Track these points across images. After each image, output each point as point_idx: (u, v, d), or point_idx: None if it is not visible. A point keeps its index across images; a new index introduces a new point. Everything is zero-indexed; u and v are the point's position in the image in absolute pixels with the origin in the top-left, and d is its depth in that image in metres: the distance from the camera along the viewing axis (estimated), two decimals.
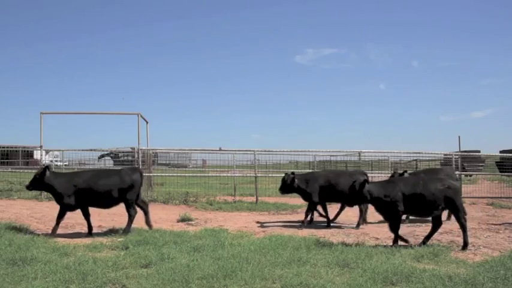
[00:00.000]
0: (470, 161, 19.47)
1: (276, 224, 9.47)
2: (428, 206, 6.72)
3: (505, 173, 17.40)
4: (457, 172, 14.93)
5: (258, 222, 9.65)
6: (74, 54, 78.49)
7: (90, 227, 7.82)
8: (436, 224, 6.98)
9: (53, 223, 7.72)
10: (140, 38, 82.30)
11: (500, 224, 9.43)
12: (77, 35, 79.07)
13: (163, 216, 10.29)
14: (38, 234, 7.27)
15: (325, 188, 9.10)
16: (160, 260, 5.48)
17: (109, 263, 5.28)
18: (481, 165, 20.58)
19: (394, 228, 6.74)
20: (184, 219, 9.68)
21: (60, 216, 7.67)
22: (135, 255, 5.68)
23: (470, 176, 20.10)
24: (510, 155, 18.72)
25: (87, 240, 7.09)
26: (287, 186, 9.23)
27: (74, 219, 9.40)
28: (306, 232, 8.06)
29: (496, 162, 18.85)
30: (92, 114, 16.79)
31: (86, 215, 7.80)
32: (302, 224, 9.00)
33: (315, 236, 7.40)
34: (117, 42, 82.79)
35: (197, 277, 4.68)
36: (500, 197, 14.53)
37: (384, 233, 8.17)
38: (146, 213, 8.12)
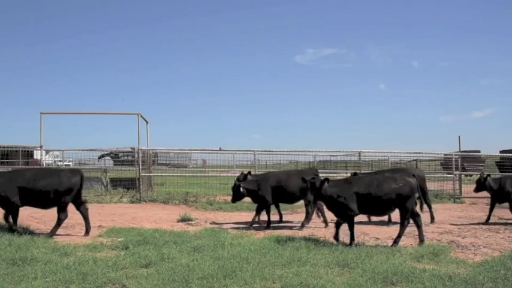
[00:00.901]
0: (470, 161, 19.46)
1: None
2: (383, 206, 6.77)
3: (505, 173, 17.39)
4: (457, 172, 14.97)
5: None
6: (74, 54, 78.65)
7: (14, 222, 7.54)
8: (415, 220, 6.97)
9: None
10: (140, 38, 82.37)
11: (500, 224, 9.42)
12: (77, 35, 79.19)
13: (163, 216, 10.29)
14: (38, 234, 7.28)
15: (275, 189, 8.94)
16: (160, 260, 5.48)
17: (109, 263, 5.28)
18: (481, 165, 20.57)
19: (350, 227, 6.79)
20: (184, 219, 9.68)
21: (14, 216, 7.47)
22: (135, 255, 5.68)
23: (470, 176, 20.09)
24: (510, 155, 18.73)
25: (87, 240, 7.10)
26: (236, 192, 8.95)
27: (74, 219, 9.41)
28: (306, 232, 8.06)
29: (496, 162, 18.85)
30: (92, 114, 16.82)
31: (15, 214, 7.50)
32: (269, 225, 8.89)
33: (315, 236, 7.40)
34: (117, 43, 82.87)
35: (197, 277, 4.68)
36: None
37: (384, 233, 8.18)
38: (85, 218, 7.84)
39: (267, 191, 8.86)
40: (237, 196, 8.98)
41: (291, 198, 9.17)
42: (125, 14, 79.58)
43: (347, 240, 6.98)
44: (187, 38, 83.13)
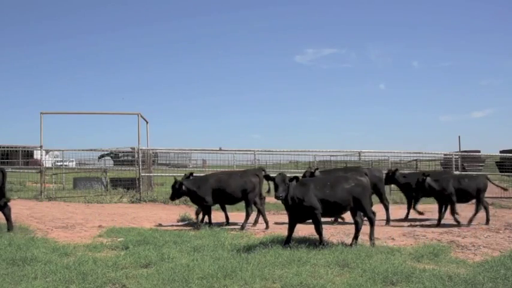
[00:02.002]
0: (470, 161, 19.48)
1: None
2: (337, 206, 6.59)
3: (505, 173, 17.42)
4: (457, 172, 14.96)
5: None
6: (74, 54, 78.69)
7: None
8: (358, 223, 6.80)
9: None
10: (140, 38, 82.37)
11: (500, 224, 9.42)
12: (77, 35, 79.21)
13: (164, 216, 10.31)
14: (38, 234, 7.28)
15: (215, 190, 8.70)
16: (160, 260, 5.48)
17: (109, 263, 5.29)
18: (481, 165, 20.58)
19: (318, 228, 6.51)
20: (184, 219, 9.68)
21: None
22: (135, 255, 5.68)
23: None
24: (510, 155, 18.74)
25: (87, 240, 7.10)
26: (176, 190, 8.68)
27: (74, 219, 9.42)
28: (305, 232, 8.05)
29: (496, 162, 18.88)
30: (92, 114, 16.82)
31: None
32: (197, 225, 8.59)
33: (314, 236, 7.40)
34: (118, 42, 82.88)
35: (197, 277, 4.68)
36: (500, 197, 14.52)
37: (384, 233, 8.18)
38: (7, 219, 7.53)
39: (206, 191, 8.65)
40: (176, 194, 8.71)
41: (232, 199, 8.99)
42: (125, 14, 79.65)
43: (347, 240, 6.98)
44: (188, 38, 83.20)
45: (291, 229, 6.62)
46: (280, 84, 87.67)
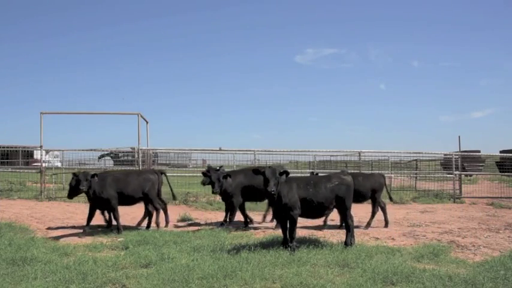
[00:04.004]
0: (470, 161, 19.48)
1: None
2: (320, 207, 6.42)
3: (505, 173, 17.42)
4: (457, 172, 14.97)
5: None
6: (74, 54, 78.40)
7: None
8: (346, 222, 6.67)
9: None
10: (141, 37, 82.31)
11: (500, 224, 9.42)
12: (77, 34, 79.04)
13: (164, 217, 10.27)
14: (38, 234, 7.28)
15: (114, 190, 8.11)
16: (160, 260, 5.49)
17: (109, 263, 5.29)
18: (481, 165, 20.60)
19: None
20: (184, 219, 9.68)
21: None
22: (135, 255, 5.69)
23: (470, 176, 20.11)
24: (510, 155, 18.74)
25: (87, 240, 7.10)
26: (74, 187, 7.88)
27: (74, 219, 9.43)
28: (305, 232, 8.06)
29: (496, 162, 18.88)
30: (92, 114, 16.81)
31: None
32: (84, 230, 7.82)
33: (314, 236, 7.41)
34: (118, 42, 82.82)
35: (197, 277, 4.68)
36: (500, 197, 14.54)
37: (383, 233, 8.19)
38: None
39: (106, 190, 8.02)
40: (74, 191, 7.94)
41: (130, 199, 8.45)
42: (125, 12, 79.63)
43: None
44: (188, 38, 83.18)
45: (284, 228, 6.39)
46: (281, 84, 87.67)
